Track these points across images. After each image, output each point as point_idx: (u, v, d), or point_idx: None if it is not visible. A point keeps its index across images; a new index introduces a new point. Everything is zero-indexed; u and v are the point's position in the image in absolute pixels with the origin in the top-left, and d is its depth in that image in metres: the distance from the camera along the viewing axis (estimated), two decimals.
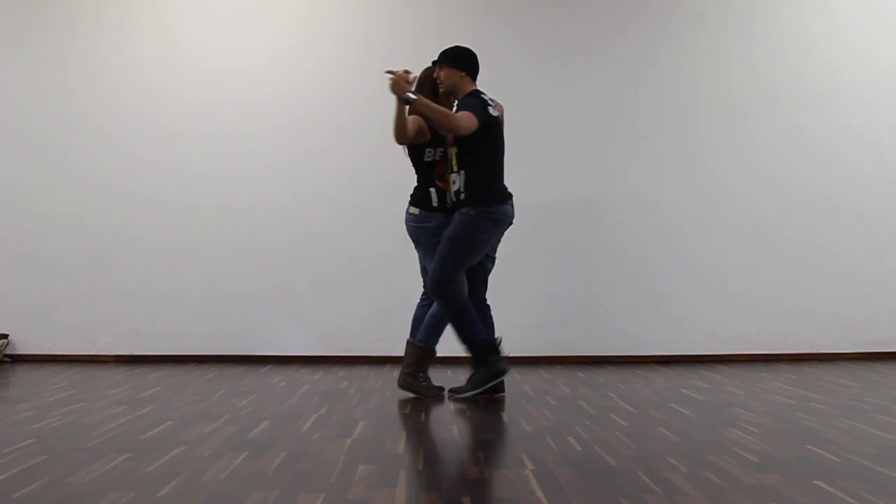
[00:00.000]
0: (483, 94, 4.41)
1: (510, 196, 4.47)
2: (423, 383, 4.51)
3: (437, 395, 4.50)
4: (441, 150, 4.53)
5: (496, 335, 4.56)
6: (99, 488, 2.63)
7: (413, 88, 4.24)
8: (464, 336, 4.41)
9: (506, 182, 4.57)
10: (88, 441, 3.34)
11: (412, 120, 4.41)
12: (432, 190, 4.54)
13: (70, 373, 5.48)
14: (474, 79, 4.49)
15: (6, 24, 6.25)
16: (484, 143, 4.33)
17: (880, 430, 3.50)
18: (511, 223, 4.52)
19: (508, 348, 5.93)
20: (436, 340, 4.57)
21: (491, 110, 4.31)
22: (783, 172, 6.12)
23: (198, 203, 6.13)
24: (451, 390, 4.51)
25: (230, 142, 6.15)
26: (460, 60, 4.44)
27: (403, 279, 6.03)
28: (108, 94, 6.19)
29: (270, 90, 6.17)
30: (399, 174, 6.13)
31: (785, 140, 6.13)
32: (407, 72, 4.25)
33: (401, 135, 4.39)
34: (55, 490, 2.62)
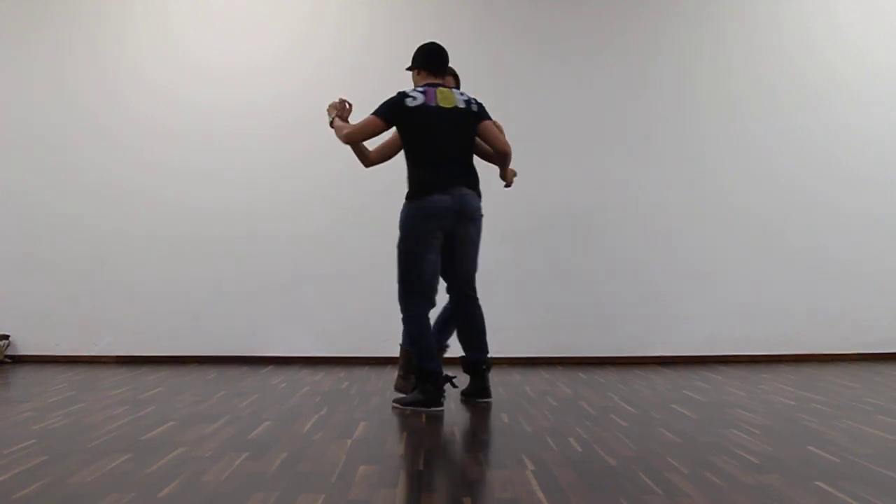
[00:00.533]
0: (417, 89, 4.26)
1: (442, 186, 4.17)
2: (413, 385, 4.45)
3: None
4: None
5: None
6: (100, 489, 2.63)
7: (340, 114, 4.38)
8: (416, 356, 4.22)
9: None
10: (89, 442, 3.34)
11: (378, 149, 4.59)
12: None
13: (71, 374, 5.48)
14: (432, 72, 4.35)
15: (6, 24, 6.25)
16: (404, 138, 4.29)
17: (881, 430, 3.50)
18: (449, 214, 4.18)
19: (510, 349, 5.96)
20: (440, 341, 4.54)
21: (408, 101, 4.18)
22: (784, 173, 6.13)
23: (198, 203, 6.14)
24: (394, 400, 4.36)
25: (231, 142, 6.16)
26: (413, 58, 4.42)
27: None
28: (109, 94, 6.20)
29: (271, 90, 6.17)
30: (400, 174, 6.14)
31: (785, 140, 6.14)
32: (343, 100, 4.40)
33: (362, 161, 4.59)
34: (56, 491, 2.62)
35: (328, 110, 4.42)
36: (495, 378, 5.22)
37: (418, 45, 4.44)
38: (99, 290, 6.13)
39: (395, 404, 4.24)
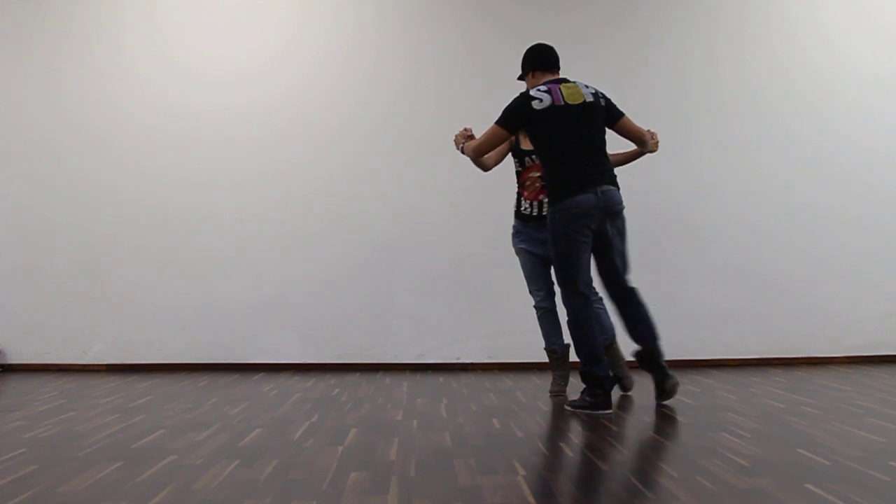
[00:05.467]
0: (539, 88, 4.20)
1: (586, 185, 4.09)
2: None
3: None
4: (516, 159, 4.69)
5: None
6: (91, 497, 2.63)
7: (465, 141, 4.43)
8: (583, 360, 4.18)
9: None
10: (80, 450, 3.34)
11: (493, 154, 4.60)
12: (517, 194, 4.73)
13: (61, 382, 5.46)
14: (545, 70, 4.32)
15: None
16: (537, 139, 4.22)
17: (870, 433, 3.51)
18: (596, 213, 4.10)
19: (501, 355, 5.96)
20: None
21: (535, 104, 4.12)
22: (773, 176, 6.15)
23: (190, 210, 6.13)
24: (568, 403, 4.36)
25: (222, 148, 6.15)
26: (523, 65, 4.44)
27: (396, 286, 6.05)
28: (102, 101, 6.20)
29: (263, 96, 6.18)
30: (392, 180, 6.16)
31: (775, 144, 6.17)
32: (466, 129, 4.45)
33: (483, 169, 4.62)
34: (47, 500, 2.61)
35: (455, 141, 4.44)
36: (486, 383, 5.23)
37: (525, 50, 4.44)
38: (89, 297, 6.12)
39: (567, 407, 4.26)
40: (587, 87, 4.26)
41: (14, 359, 6.13)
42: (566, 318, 4.29)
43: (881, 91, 6.23)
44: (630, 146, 4.65)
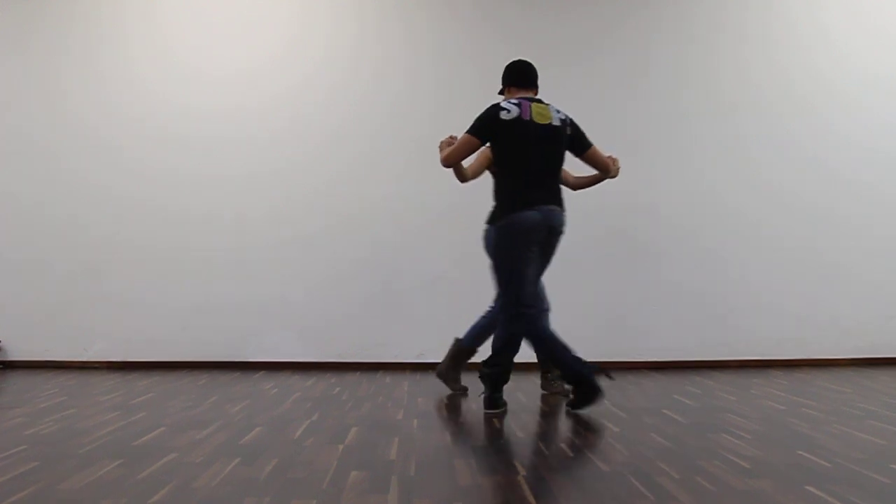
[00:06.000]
0: (510, 101, 4.23)
1: (532, 202, 4.13)
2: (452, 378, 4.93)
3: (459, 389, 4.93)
4: None
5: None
6: (91, 495, 2.63)
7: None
8: (559, 367, 4.22)
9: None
10: (80, 447, 3.34)
11: (472, 166, 4.63)
12: None
13: (62, 379, 5.46)
14: (521, 86, 4.35)
15: (0, 31, 6.24)
16: (497, 150, 4.25)
17: (871, 435, 3.51)
18: (541, 229, 4.15)
19: None
20: (475, 343, 4.87)
21: (503, 114, 4.15)
22: (774, 178, 6.15)
23: (190, 209, 6.13)
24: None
25: (223, 147, 6.15)
26: (502, 79, 4.45)
27: (396, 286, 6.05)
28: (102, 101, 6.19)
29: (263, 96, 6.17)
30: (392, 180, 6.16)
31: (776, 146, 6.17)
32: (452, 137, 4.35)
33: (459, 178, 4.60)
34: (47, 496, 2.61)
35: (440, 147, 4.38)
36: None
37: (505, 66, 4.44)
38: (91, 295, 6.11)
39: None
40: (558, 112, 4.29)
41: (15, 356, 6.13)
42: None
43: (881, 91, 6.24)
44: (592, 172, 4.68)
